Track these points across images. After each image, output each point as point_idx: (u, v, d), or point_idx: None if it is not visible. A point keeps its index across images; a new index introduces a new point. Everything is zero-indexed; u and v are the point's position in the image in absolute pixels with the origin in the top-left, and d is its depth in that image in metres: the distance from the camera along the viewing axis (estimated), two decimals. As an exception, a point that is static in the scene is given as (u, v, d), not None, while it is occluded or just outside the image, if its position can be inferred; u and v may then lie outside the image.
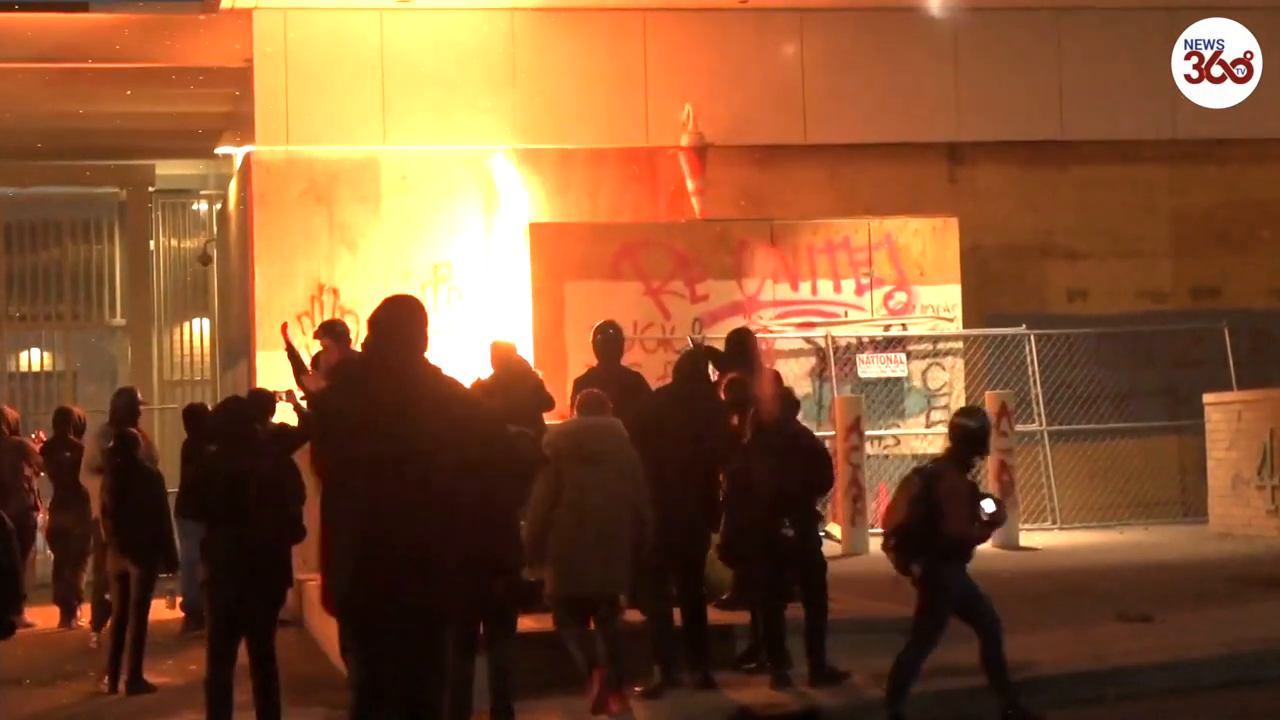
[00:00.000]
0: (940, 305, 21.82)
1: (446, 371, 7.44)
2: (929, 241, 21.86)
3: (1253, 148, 23.18)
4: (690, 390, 12.32)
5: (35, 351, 31.42)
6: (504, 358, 13.44)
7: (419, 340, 7.32)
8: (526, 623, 11.54)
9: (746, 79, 22.33)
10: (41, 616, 18.09)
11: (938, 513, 10.79)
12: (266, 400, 16.51)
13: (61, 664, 14.77)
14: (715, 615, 12.63)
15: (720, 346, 14.15)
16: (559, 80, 21.98)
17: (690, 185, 21.84)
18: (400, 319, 7.35)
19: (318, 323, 19.79)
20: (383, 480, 7.05)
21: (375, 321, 7.39)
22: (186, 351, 30.63)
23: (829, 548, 19.18)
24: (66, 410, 18.88)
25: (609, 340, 13.45)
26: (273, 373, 18.39)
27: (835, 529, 19.98)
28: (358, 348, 15.36)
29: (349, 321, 20.59)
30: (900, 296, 21.82)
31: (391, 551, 7.04)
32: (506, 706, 10.88)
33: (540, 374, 14.09)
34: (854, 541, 19.51)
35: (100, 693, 13.30)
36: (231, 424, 11.17)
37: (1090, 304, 23.04)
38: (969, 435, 11.07)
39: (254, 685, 10.75)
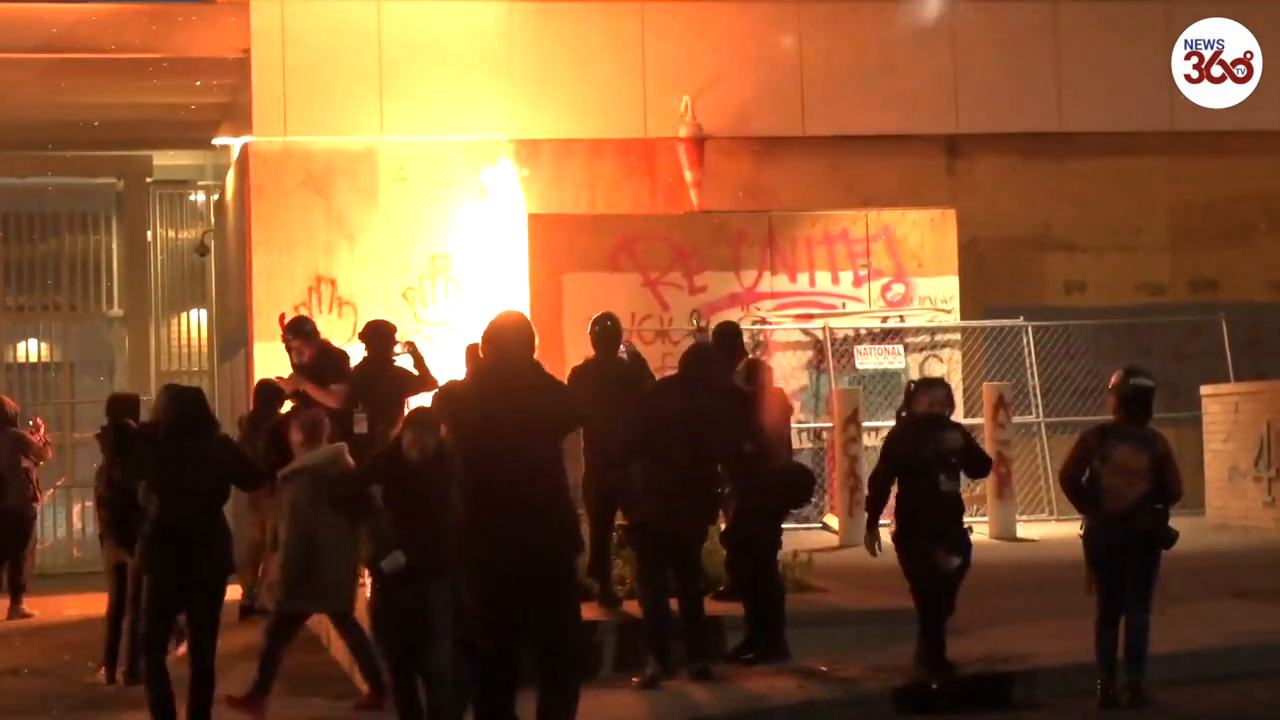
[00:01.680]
0: (938, 297, 21.82)
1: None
2: (927, 233, 21.86)
3: (1251, 140, 23.15)
4: (697, 381, 12.32)
5: (32, 342, 31.38)
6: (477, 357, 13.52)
7: (517, 344, 9.22)
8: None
9: (745, 71, 22.32)
10: (40, 607, 18.10)
11: (1168, 473, 11.45)
12: (271, 392, 16.50)
13: (59, 654, 14.77)
14: (711, 607, 12.64)
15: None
16: (557, 71, 21.97)
17: (688, 177, 21.84)
18: (503, 330, 9.24)
19: (316, 314, 19.90)
20: (490, 443, 8.65)
21: (486, 333, 9.18)
22: (184, 342, 30.59)
23: (825, 538, 19.29)
24: (118, 396, 18.57)
25: (606, 332, 13.48)
26: (270, 364, 18.39)
27: (833, 520, 20.01)
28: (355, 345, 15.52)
29: (347, 314, 20.77)
30: (898, 288, 21.82)
31: (500, 497, 8.57)
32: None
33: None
34: (851, 533, 19.49)
35: (98, 684, 13.31)
36: (184, 417, 10.77)
37: (1088, 296, 23.04)
38: (1150, 394, 11.52)
39: (191, 684, 10.73)
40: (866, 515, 12.09)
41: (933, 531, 11.62)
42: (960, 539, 11.75)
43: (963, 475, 12.08)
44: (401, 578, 10.12)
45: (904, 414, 12.01)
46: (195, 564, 10.46)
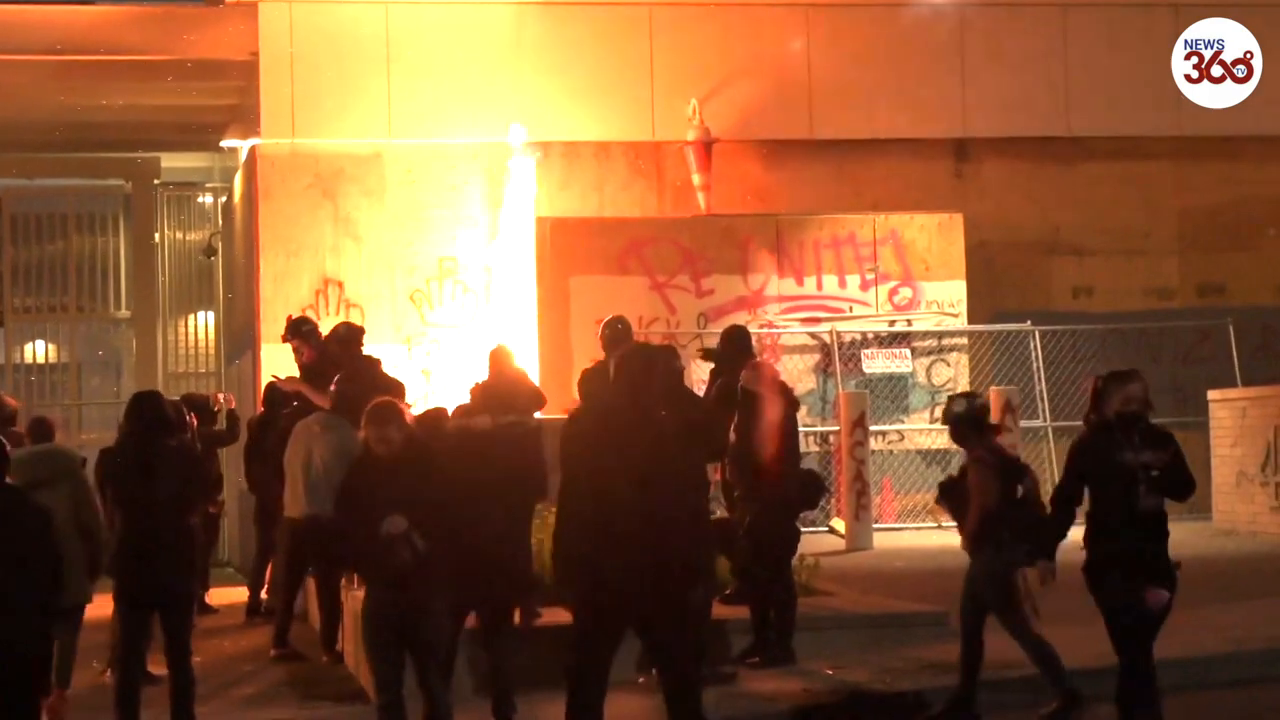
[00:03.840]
0: (945, 301, 21.82)
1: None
2: (934, 237, 21.86)
3: (1260, 145, 23.15)
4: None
5: (40, 343, 31.40)
6: (498, 362, 13.56)
7: (648, 380, 9.04)
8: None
9: (753, 74, 22.33)
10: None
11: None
12: (279, 395, 16.39)
13: (65, 656, 14.73)
14: (718, 610, 12.63)
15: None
16: (565, 74, 21.96)
17: (696, 180, 21.83)
18: (635, 366, 9.12)
19: (323, 316, 19.91)
20: (614, 481, 8.64)
21: (618, 365, 9.28)
22: (191, 344, 30.57)
23: (832, 542, 19.28)
24: (191, 397, 18.33)
25: (617, 335, 13.49)
26: (278, 366, 18.37)
27: (839, 524, 20.00)
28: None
29: (354, 316, 20.77)
30: (905, 292, 21.82)
31: (621, 539, 8.60)
32: (509, 700, 10.93)
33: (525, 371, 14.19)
34: (858, 537, 19.51)
35: (104, 683, 13.29)
36: (143, 425, 10.70)
37: (1096, 301, 23.02)
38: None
39: (171, 689, 10.71)
40: (1043, 539, 10.38)
41: (1131, 559, 9.86)
42: (1163, 567, 9.96)
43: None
44: (387, 584, 9.59)
45: (1093, 417, 10.15)
46: (160, 573, 10.43)
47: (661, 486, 8.70)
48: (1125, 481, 9.79)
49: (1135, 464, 9.79)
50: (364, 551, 9.64)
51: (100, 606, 13.41)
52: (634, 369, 9.07)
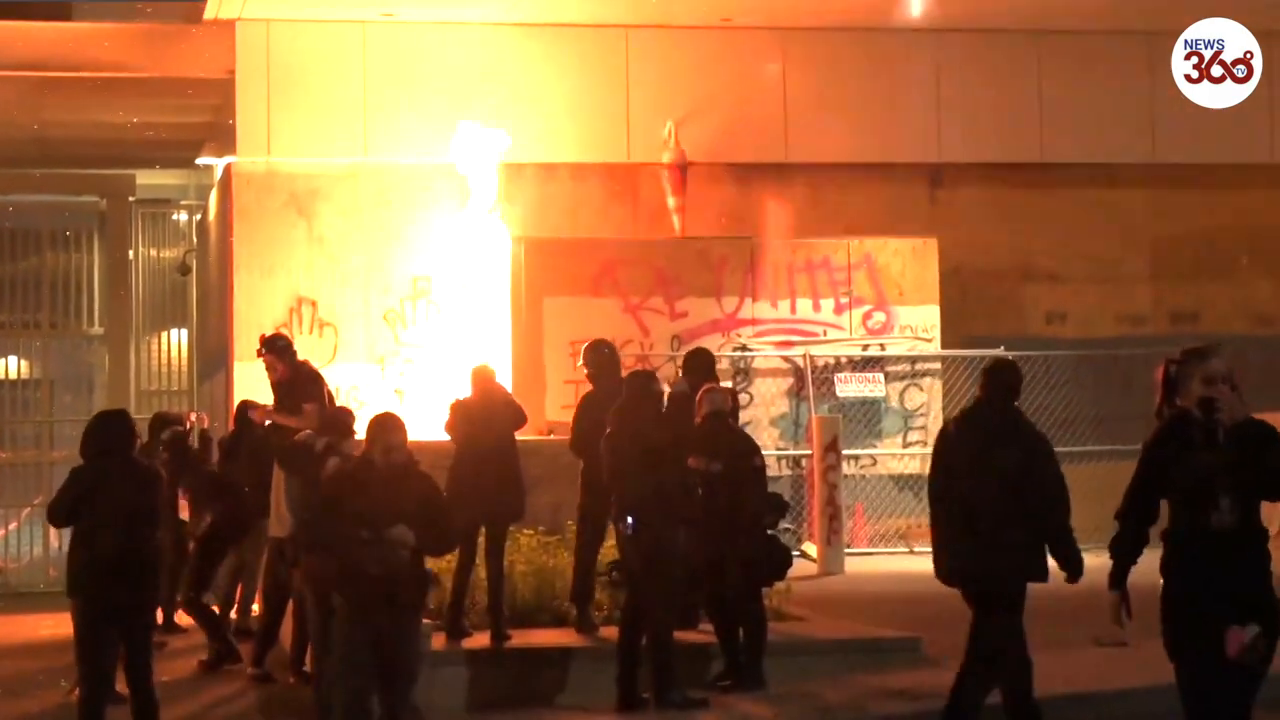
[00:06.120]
0: (919, 326, 21.85)
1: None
2: (908, 262, 21.89)
3: (1232, 173, 23.23)
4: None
5: (12, 359, 31.32)
6: (482, 380, 13.55)
7: (1007, 390, 10.57)
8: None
9: (728, 97, 22.37)
10: (15, 626, 18.02)
11: None
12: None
13: (34, 674, 14.71)
14: (691, 635, 12.64)
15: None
16: (541, 96, 21.97)
17: (671, 202, 21.86)
18: (1000, 376, 10.55)
19: (297, 335, 19.88)
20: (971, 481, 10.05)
21: (987, 371, 10.58)
22: (164, 361, 30.54)
23: (804, 567, 19.26)
24: (161, 416, 18.12)
25: (605, 359, 13.43)
26: (250, 385, 18.34)
27: (811, 549, 19.99)
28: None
29: (328, 335, 20.75)
30: (879, 316, 21.85)
31: (975, 532, 10.01)
32: None
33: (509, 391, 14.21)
34: (830, 561, 19.51)
35: (70, 703, 13.23)
36: (105, 442, 10.74)
37: (1069, 327, 23.08)
38: None
39: (132, 710, 10.67)
40: (1111, 568, 8.30)
41: (1200, 593, 7.83)
42: (1256, 605, 7.65)
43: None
44: (375, 603, 9.51)
45: (1165, 409, 8.10)
46: (132, 591, 10.39)
47: (1030, 491, 10.08)
48: (1198, 490, 7.73)
49: (1213, 467, 7.67)
50: (351, 559, 9.54)
51: (64, 625, 13.40)
52: (1003, 382, 10.35)
